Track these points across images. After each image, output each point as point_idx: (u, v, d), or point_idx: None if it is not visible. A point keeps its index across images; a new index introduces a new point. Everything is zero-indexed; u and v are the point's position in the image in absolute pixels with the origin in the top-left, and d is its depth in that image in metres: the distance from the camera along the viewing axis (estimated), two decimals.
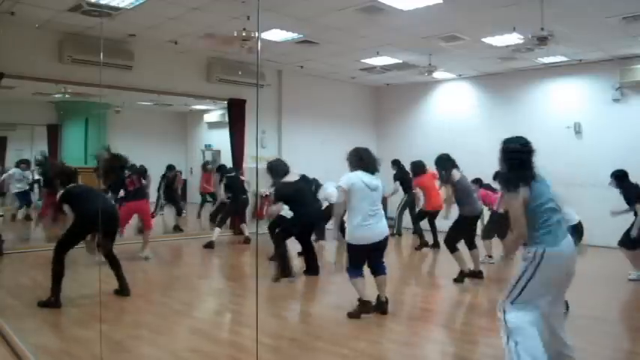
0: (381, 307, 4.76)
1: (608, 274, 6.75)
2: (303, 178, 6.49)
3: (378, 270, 4.82)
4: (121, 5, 6.51)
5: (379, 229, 4.60)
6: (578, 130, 9.52)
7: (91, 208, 4.95)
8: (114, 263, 5.32)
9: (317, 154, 10.37)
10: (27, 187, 10.09)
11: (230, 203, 8.96)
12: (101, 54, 7.00)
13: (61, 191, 5.10)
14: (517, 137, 3.29)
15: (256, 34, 6.48)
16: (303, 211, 6.21)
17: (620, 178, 6.32)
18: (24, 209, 10.24)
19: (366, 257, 4.73)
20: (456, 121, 11.03)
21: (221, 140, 11.25)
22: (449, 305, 5.52)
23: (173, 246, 9.01)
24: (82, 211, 4.99)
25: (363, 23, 7.20)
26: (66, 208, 5.02)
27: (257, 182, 9.89)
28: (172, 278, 6.60)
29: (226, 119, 10.32)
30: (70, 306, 4.88)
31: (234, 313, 5.18)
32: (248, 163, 9.97)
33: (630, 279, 6.28)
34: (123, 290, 5.31)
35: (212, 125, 13.61)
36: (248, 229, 9.81)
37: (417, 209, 9.28)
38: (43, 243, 8.27)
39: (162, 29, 7.61)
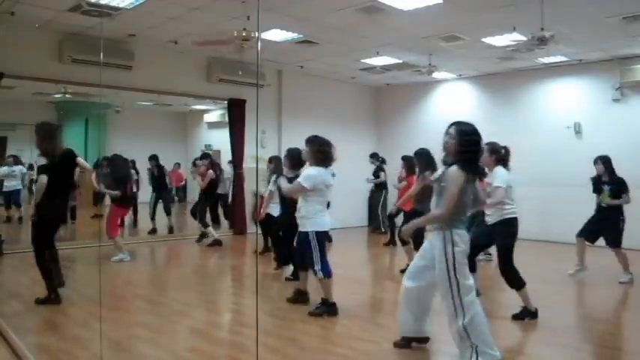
0: (330, 309, 4.74)
1: (607, 274, 6.75)
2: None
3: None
4: (121, 5, 6.51)
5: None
6: (578, 130, 9.52)
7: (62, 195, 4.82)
8: (54, 259, 5.03)
9: None
10: (19, 186, 9.94)
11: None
12: (101, 54, 7.00)
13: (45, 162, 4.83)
14: (469, 123, 3.43)
15: (256, 34, 6.48)
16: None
17: (610, 163, 6.25)
18: (13, 209, 10.10)
19: None
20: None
21: (221, 140, 11.26)
22: None
23: (173, 246, 9.02)
24: (54, 194, 4.80)
25: (363, 23, 7.20)
26: (43, 178, 4.76)
27: (257, 182, 9.89)
28: (172, 278, 6.60)
29: (226, 119, 10.32)
30: (70, 306, 4.88)
31: (234, 313, 5.18)
32: (248, 163, 9.97)
33: (621, 282, 6.17)
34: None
35: (212, 125, 13.62)
36: (248, 228, 9.84)
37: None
38: None
39: (162, 29, 7.61)
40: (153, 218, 9.60)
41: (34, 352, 3.67)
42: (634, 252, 8.24)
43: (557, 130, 9.62)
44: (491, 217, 4.75)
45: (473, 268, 4.88)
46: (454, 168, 3.29)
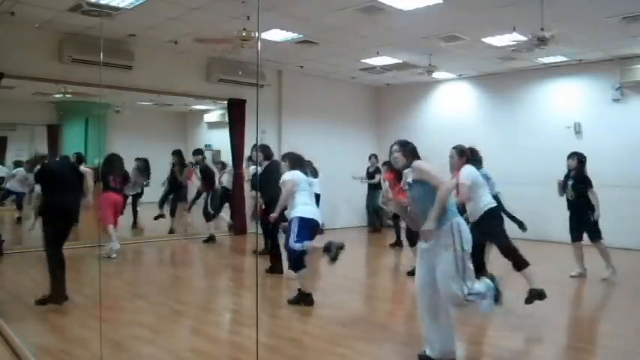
0: (306, 299, 5.05)
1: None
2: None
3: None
4: (121, 5, 6.51)
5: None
6: (578, 130, 9.51)
7: (62, 194, 4.72)
8: (61, 267, 4.85)
9: (317, 154, 10.38)
10: (25, 190, 9.95)
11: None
12: (101, 54, 6.99)
13: (38, 167, 4.89)
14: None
15: (256, 34, 6.48)
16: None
17: (583, 162, 6.36)
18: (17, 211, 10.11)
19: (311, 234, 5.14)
20: (456, 121, 11.01)
21: (221, 140, 11.24)
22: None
23: (173, 246, 9.02)
24: (52, 197, 4.74)
25: (363, 23, 7.20)
26: (37, 189, 4.81)
27: (257, 182, 9.88)
28: (172, 278, 6.60)
29: (226, 119, 10.31)
30: (70, 306, 4.88)
31: (234, 313, 5.18)
32: None
33: (572, 275, 6.38)
34: (57, 297, 4.78)
35: (212, 125, 13.60)
36: (248, 228, 9.84)
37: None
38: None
39: (162, 29, 7.61)
40: (161, 209, 9.64)
41: (35, 353, 3.67)
42: (634, 252, 8.28)
43: (557, 130, 9.62)
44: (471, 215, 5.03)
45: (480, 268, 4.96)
46: (416, 162, 3.56)
